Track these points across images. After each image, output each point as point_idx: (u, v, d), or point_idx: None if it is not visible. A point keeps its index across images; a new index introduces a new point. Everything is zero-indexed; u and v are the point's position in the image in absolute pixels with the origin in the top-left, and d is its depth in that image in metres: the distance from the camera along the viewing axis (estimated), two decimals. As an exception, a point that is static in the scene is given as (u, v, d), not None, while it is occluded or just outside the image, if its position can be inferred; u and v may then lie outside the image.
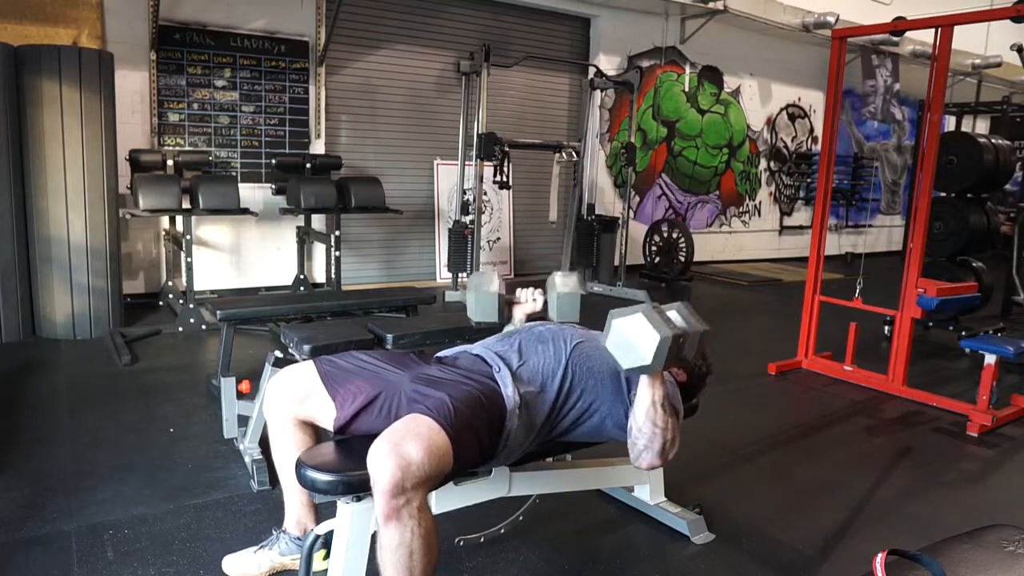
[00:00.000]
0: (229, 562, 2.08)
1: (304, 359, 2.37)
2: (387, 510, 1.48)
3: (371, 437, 1.59)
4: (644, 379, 1.73)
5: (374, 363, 1.90)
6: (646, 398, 1.73)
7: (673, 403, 1.81)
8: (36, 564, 2.09)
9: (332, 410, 1.81)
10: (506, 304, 2.24)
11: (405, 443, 1.52)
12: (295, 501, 2.04)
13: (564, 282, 2.20)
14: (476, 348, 2.00)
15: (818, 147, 9.98)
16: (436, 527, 1.56)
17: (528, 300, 2.29)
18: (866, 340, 4.71)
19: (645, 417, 1.73)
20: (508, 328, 2.30)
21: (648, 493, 2.48)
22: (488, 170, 6.34)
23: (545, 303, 2.24)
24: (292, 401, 1.86)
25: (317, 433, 1.91)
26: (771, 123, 9.67)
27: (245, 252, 6.13)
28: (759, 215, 9.82)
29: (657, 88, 8.40)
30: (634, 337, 1.63)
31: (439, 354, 2.07)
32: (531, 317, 2.28)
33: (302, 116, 6.27)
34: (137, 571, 2.08)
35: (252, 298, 4.83)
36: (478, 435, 1.70)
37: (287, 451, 1.88)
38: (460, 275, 6.29)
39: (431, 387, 1.75)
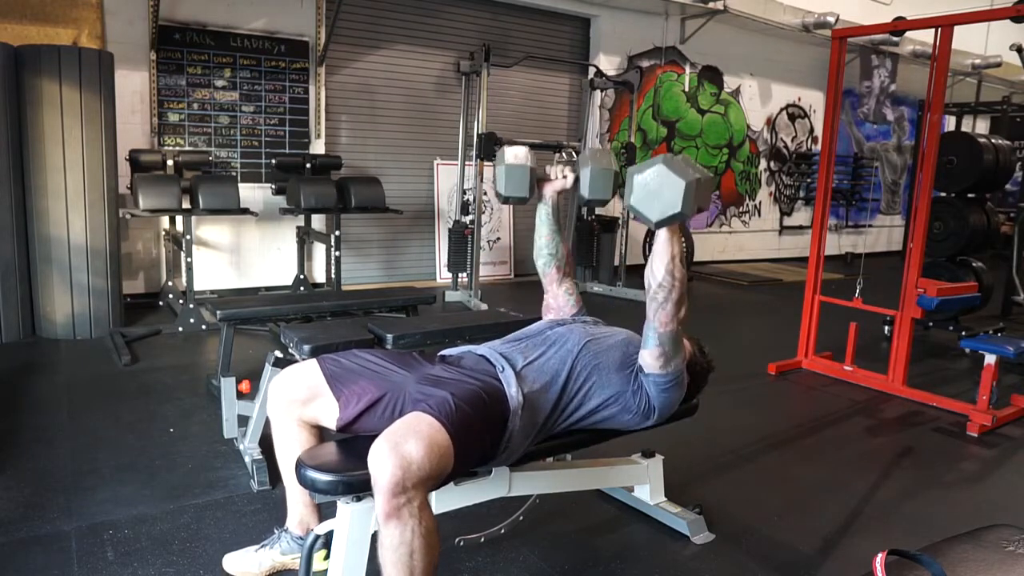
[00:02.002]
0: (230, 560, 2.08)
1: (304, 359, 2.37)
2: (388, 509, 1.48)
3: (372, 437, 1.59)
4: (664, 234, 1.76)
5: (378, 363, 1.90)
6: (666, 252, 1.77)
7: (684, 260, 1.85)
8: (36, 564, 2.09)
9: (336, 410, 1.81)
10: (536, 180, 2.16)
11: (406, 442, 1.51)
12: (297, 501, 2.04)
13: (598, 158, 2.10)
14: (481, 348, 1.99)
15: (818, 147, 9.98)
16: (437, 526, 1.56)
17: (559, 176, 2.22)
18: (866, 340, 4.71)
19: (665, 271, 1.77)
20: (540, 210, 2.25)
21: (648, 493, 2.48)
22: (488, 170, 6.34)
23: (577, 180, 2.15)
24: (296, 401, 1.85)
25: (320, 433, 1.91)
26: (771, 123, 9.67)
27: (245, 252, 6.13)
28: (759, 215, 9.83)
29: (657, 88, 8.40)
30: (659, 187, 1.65)
31: (443, 352, 2.07)
32: (562, 194, 2.24)
33: (302, 116, 6.27)
34: (137, 571, 2.08)
35: (252, 298, 4.83)
36: (480, 434, 1.70)
37: (290, 450, 1.87)
38: (460, 275, 6.30)
39: (434, 386, 1.75)
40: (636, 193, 1.69)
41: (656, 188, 1.66)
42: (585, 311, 2.26)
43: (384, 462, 1.48)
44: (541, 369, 1.88)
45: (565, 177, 2.21)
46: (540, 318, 2.30)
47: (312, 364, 1.88)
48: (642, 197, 1.68)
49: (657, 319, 1.83)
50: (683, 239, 1.81)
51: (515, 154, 2.11)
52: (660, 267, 1.78)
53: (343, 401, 1.80)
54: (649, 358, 1.87)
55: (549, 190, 2.24)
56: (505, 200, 2.17)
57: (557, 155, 6.52)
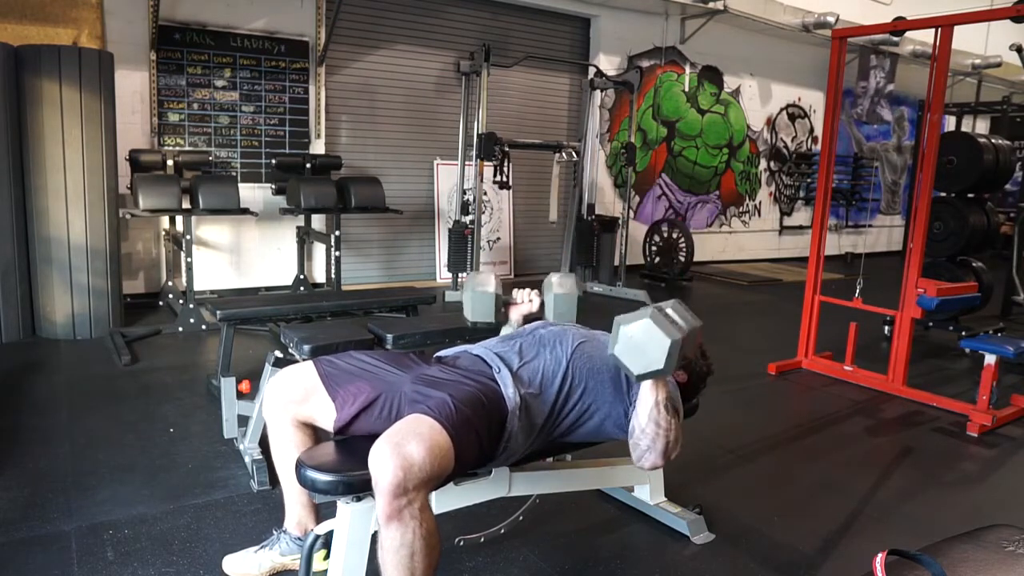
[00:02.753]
0: (229, 562, 2.07)
1: (304, 359, 2.37)
2: (389, 511, 1.48)
3: (371, 437, 1.59)
4: (647, 381, 1.72)
5: (374, 364, 1.90)
6: (649, 399, 1.73)
7: (674, 404, 1.80)
8: (36, 564, 2.09)
9: (332, 411, 1.81)
10: (503, 304, 2.24)
11: (407, 443, 1.51)
12: (295, 501, 2.04)
13: (561, 283, 2.20)
14: (476, 348, 2.00)
15: (818, 147, 9.98)
16: (437, 527, 1.56)
17: (525, 301, 2.29)
18: (866, 340, 4.71)
19: (648, 418, 1.72)
20: (505, 330, 2.30)
21: (648, 493, 2.48)
22: (488, 170, 6.34)
23: (542, 304, 2.24)
24: (292, 402, 1.85)
25: (317, 433, 1.91)
26: (771, 123, 9.67)
27: (245, 252, 6.13)
28: (759, 215, 9.83)
29: (657, 88, 8.40)
30: (644, 343, 1.63)
31: (439, 354, 2.07)
32: (528, 318, 2.28)
33: (302, 116, 6.27)
34: (137, 571, 2.08)
35: (252, 298, 4.83)
36: (479, 435, 1.70)
37: (287, 451, 1.88)
38: (460, 275, 6.29)
39: (432, 387, 1.75)
40: (620, 344, 1.66)
41: (641, 342, 1.63)
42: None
43: (385, 463, 1.48)
44: (537, 370, 1.88)
45: (531, 301, 2.27)
46: (537, 317, 2.30)
47: (308, 366, 1.89)
48: (626, 349, 1.65)
49: (642, 463, 1.77)
50: (667, 383, 1.75)
51: (482, 281, 2.19)
52: (644, 414, 1.73)
53: (339, 402, 1.80)
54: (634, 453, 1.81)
55: (515, 314, 2.29)
56: (474, 325, 2.25)
57: (557, 155, 6.52)
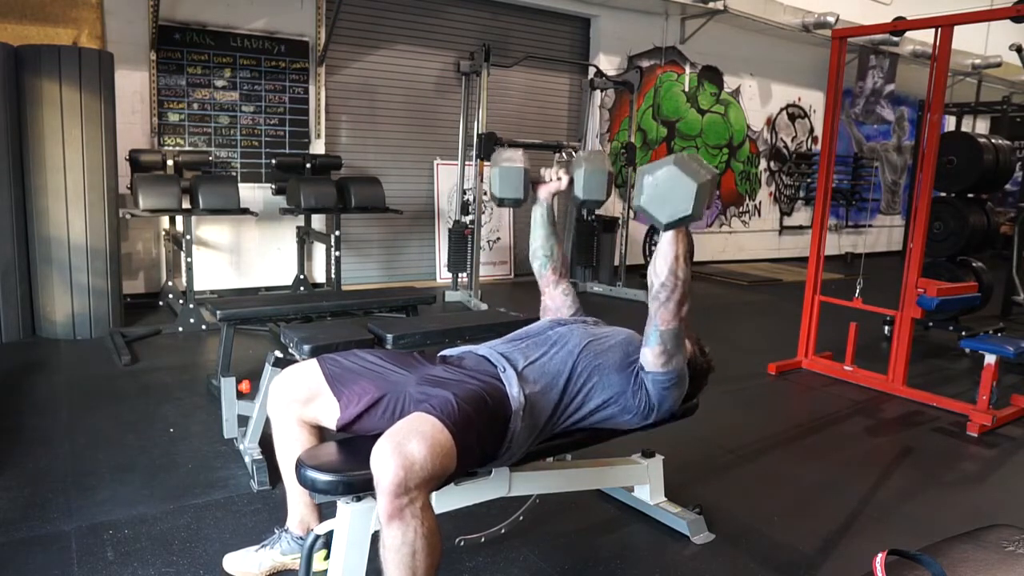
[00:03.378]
0: (230, 560, 2.08)
1: (304, 359, 2.37)
2: (390, 510, 1.48)
3: (372, 437, 1.59)
4: (669, 233, 1.75)
5: (379, 363, 1.89)
6: (671, 252, 1.76)
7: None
8: (36, 564, 2.09)
9: (336, 410, 1.81)
10: (531, 182, 2.16)
11: (408, 442, 1.51)
12: (297, 501, 2.04)
13: (592, 159, 2.10)
14: (481, 349, 1.99)
15: (818, 147, 9.98)
16: (439, 527, 1.56)
17: (553, 178, 2.23)
18: (866, 340, 4.71)
19: (668, 270, 1.77)
20: (535, 212, 2.25)
21: (648, 493, 2.48)
22: (488, 170, 6.33)
23: (571, 182, 2.16)
24: (296, 401, 1.85)
25: (321, 433, 1.91)
26: (771, 123, 9.67)
27: (245, 252, 6.13)
28: (759, 215, 9.83)
29: (657, 88, 8.40)
30: (670, 188, 1.62)
31: (443, 353, 2.06)
32: (556, 196, 2.24)
33: (302, 116, 6.27)
34: (137, 571, 2.08)
35: (252, 298, 4.83)
36: (482, 435, 1.70)
37: (290, 450, 1.87)
38: (460, 275, 6.29)
39: (436, 387, 1.74)
40: (646, 193, 1.65)
41: (667, 189, 1.63)
42: (583, 311, 2.26)
43: (387, 462, 1.48)
44: (542, 370, 1.88)
45: (560, 179, 2.22)
46: (540, 318, 2.30)
47: (312, 364, 1.88)
48: (652, 197, 1.65)
49: (659, 317, 1.83)
50: (688, 237, 1.81)
51: (509, 157, 2.12)
52: (663, 266, 1.78)
53: (343, 401, 1.80)
54: (651, 356, 1.87)
55: (544, 192, 2.26)
56: (500, 203, 2.17)
57: (557, 155, 6.52)
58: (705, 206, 1.67)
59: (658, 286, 1.80)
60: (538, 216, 2.28)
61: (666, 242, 1.78)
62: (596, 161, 2.10)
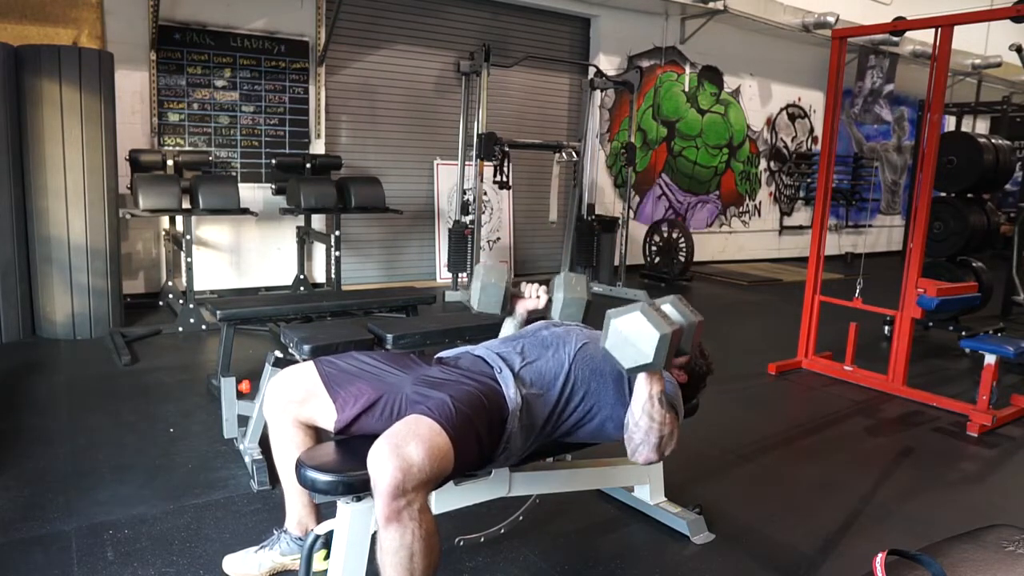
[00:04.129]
0: (230, 562, 2.08)
1: (304, 359, 2.37)
2: (388, 512, 1.47)
3: (371, 437, 1.59)
4: (641, 375, 1.72)
5: (375, 365, 1.89)
6: (643, 392, 1.72)
7: (672, 401, 1.80)
8: (36, 564, 2.09)
9: (333, 412, 1.81)
10: (510, 297, 2.23)
11: (406, 444, 1.51)
12: (296, 501, 2.04)
13: (572, 286, 2.19)
14: (478, 349, 1.99)
15: (818, 147, 9.98)
16: (437, 528, 1.56)
17: (532, 296, 2.27)
18: (866, 340, 4.71)
19: (642, 411, 1.72)
20: (507, 324, 2.30)
21: (648, 493, 2.48)
22: (488, 170, 6.34)
23: (549, 301, 2.23)
24: (293, 402, 1.85)
25: (318, 434, 1.91)
26: (771, 123, 9.67)
27: (245, 252, 6.13)
28: (759, 215, 9.83)
29: (657, 88, 8.40)
30: (633, 336, 1.63)
31: (440, 355, 2.06)
32: (533, 314, 2.28)
33: (302, 116, 6.27)
34: (137, 571, 2.08)
35: (252, 298, 4.83)
36: (479, 436, 1.69)
37: (287, 452, 1.88)
38: (460, 275, 6.29)
39: (432, 388, 1.74)
40: (611, 338, 1.66)
41: (630, 336, 1.62)
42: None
43: (384, 465, 1.48)
44: (539, 371, 1.88)
45: (539, 298, 2.26)
46: (538, 318, 2.30)
47: (309, 366, 1.88)
48: (616, 343, 1.65)
49: (636, 457, 1.76)
50: (662, 378, 1.74)
51: (491, 273, 2.19)
52: (637, 407, 1.73)
53: (340, 403, 1.80)
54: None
55: (521, 308, 2.28)
56: (477, 314, 2.27)
57: (557, 155, 6.52)
58: (671, 354, 1.65)
59: (632, 426, 1.74)
60: (509, 327, 2.29)
61: (639, 383, 1.73)
62: (576, 290, 2.18)
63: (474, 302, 2.21)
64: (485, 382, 1.81)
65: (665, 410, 1.73)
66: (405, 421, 1.60)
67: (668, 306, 1.75)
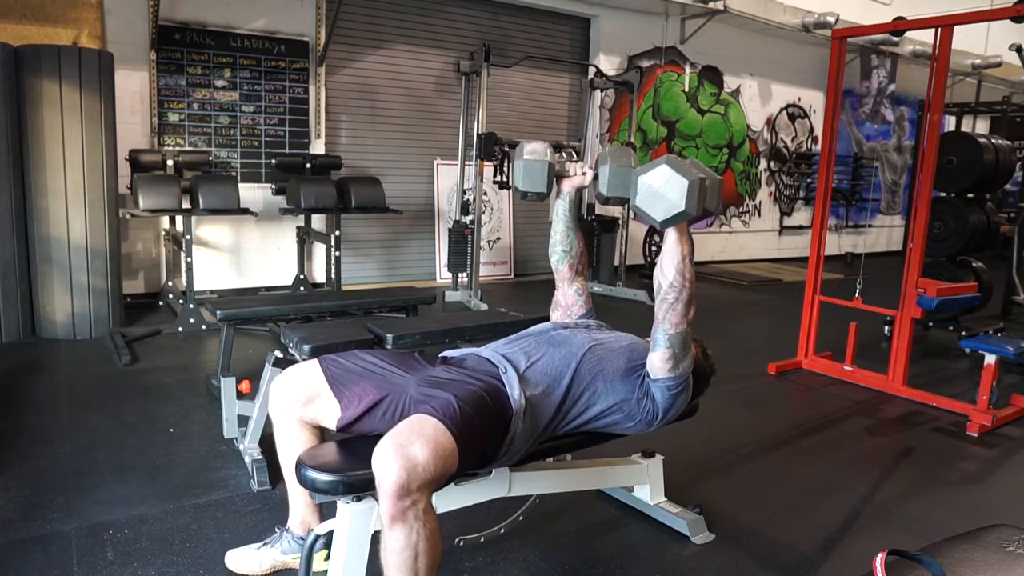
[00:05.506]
0: (232, 557, 2.08)
1: (304, 359, 2.37)
2: (393, 512, 1.48)
3: (372, 437, 1.59)
4: (673, 233, 1.76)
5: (379, 364, 1.89)
6: (676, 252, 1.77)
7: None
8: (36, 564, 2.09)
9: (337, 411, 1.81)
10: (555, 175, 2.15)
11: (411, 444, 1.51)
12: (298, 501, 2.04)
13: (618, 156, 2.08)
14: (483, 351, 1.99)
15: (818, 147, 9.98)
16: (440, 528, 1.56)
17: (578, 173, 2.22)
18: (866, 340, 4.71)
19: (676, 271, 1.78)
20: (557, 204, 2.23)
21: (648, 493, 2.48)
22: (488, 170, 6.34)
23: (595, 178, 2.14)
24: (297, 402, 1.85)
25: (321, 433, 1.91)
26: (771, 123, 9.67)
27: (245, 252, 6.13)
28: (759, 215, 9.83)
29: (657, 88, 8.40)
30: (663, 187, 1.65)
31: (444, 354, 2.06)
32: (580, 192, 2.23)
33: (302, 116, 6.27)
34: (137, 571, 2.08)
35: (252, 298, 4.83)
36: (483, 437, 1.69)
37: (291, 450, 1.87)
38: (460, 275, 6.29)
39: (436, 388, 1.74)
40: (641, 193, 1.69)
41: (660, 188, 1.66)
42: (593, 313, 2.25)
43: (389, 464, 1.48)
44: (544, 372, 1.88)
45: (584, 173, 2.21)
46: (541, 318, 2.30)
47: (313, 364, 1.88)
48: (646, 197, 1.68)
49: (668, 320, 1.82)
50: (691, 239, 1.81)
51: (533, 149, 2.11)
52: (670, 267, 1.78)
53: (344, 402, 1.80)
54: (659, 361, 1.86)
55: (568, 186, 2.23)
56: (524, 196, 2.14)
57: (557, 155, 6.50)
58: (702, 206, 1.69)
59: (666, 287, 1.80)
60: (560, 210, 2.25)
61: (671, 242, 1.78)
62: (623, 158, 2.07)
63: (518, 182, 2.11)
64: (489, 382, 1.81)
65: (693, 269, 1.80)
66: (409, 421, 1.60)
67: (689, 163, 1.74)
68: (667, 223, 1.70)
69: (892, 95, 10.63)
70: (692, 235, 1.86)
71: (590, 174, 2.20)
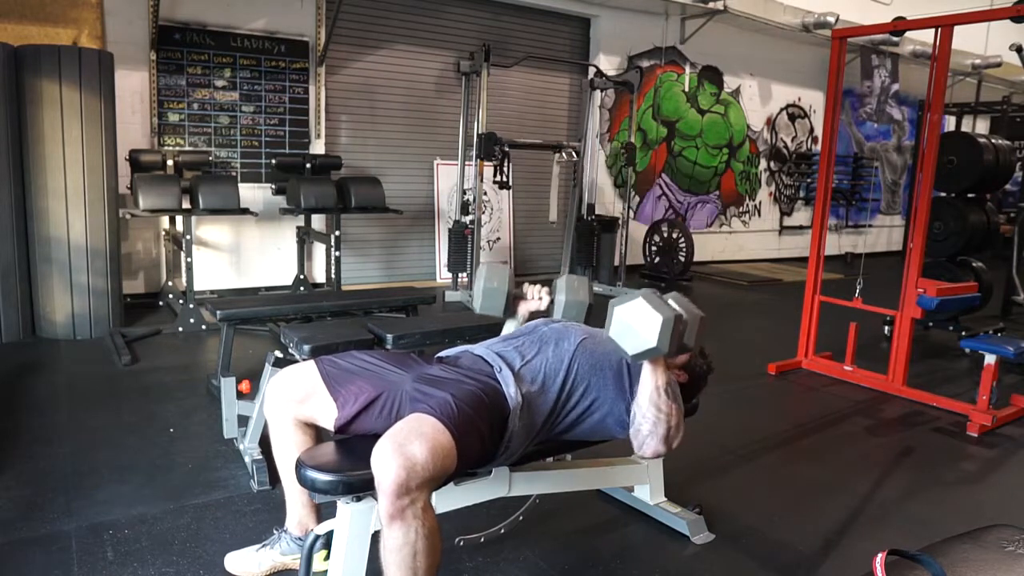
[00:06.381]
0: (231, 559, 2.08)
1: (304, 359, 2.37)
2: (392, 511, 1.48)
3: (371, 437, 1.59)
4: (647, 365, 1.74)
5: (375, 363, 1.90)
6: (649, 383, 1.74)
7: (675, 391, 1.81)
8: (36, 564, 2.09)
9: (333, 411, 1.81)
10: (513, 299, 2.24)
11: (410, 443, 1.51)
12: (296, 501, 2.04)
13: (574, 288, 2.20)
14: (478, 348, 1.99)
15: (818, 147, 9.98)
16: (439, 527, 1.56)
17: (535, 297, 2.27)
18: (866, 340, 4.71)
19: (648, 403, 1.74)
20: (509, 325, 2.30)
21: (648, 493, 2.48)
22: (488, 170, 6.34)
23: (551, 303, 2.23)
24: (293, 402, 1.85)
25: (318, 433, 1.91)
26: (771, 123, 9.67)
27: (245, 252, 6.13)
28: (759, 215, 9.83)
29: (657, 88, 8.40)
30: (637, 322, 1.64)
31: (440, 354, 2.07)
32: (534, 315, 2.28)
33: (302, 116, 6.27)
34: (137, 571, 2.08)
35: (252, 298, 4.83)
36: (481, 435, 1.70)
37: (288, 451, 1.88)
38: (460, 275, 6.29)
39: (433, 387, 1.74)
40: (615, 325, 1.68)
41: (634, 322, 1.65)
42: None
43: (388, 463, 1.48)
44: (539, 368, 1.88)
45: (541, 299, 2.26)
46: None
47: (309, 365, 1.89)
48: (620, 331, 1.67)
49: (643, 451, 1.78)
50: (668, 369, 1.77)
51: (493, 275, 2.19)
52: (644, 399, 1.75)
53: (340, 401, 1.80)
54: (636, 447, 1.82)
55: (523, 309, 2.28)
56: (481, 314, 2.26)
57: (557, 155, 6.52)
58: (675, 342, 1.67)
59: (639, 419, 1.76)
60: (511, 328, 2.29)
61: (645, 375, 1.75)
62: (579, 291, 2.19)
63: (476, 305, 2.22)
64: (485, 381, 1.81)
65: (672, 401, 1.74)
66: (408, 420, 1.60)
67: (670, 299, 1.76)
68: (638, 357, 1.69)
69: (895, 95, 10.63)
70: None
71: (546, 300, 2.25)
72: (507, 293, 2.19)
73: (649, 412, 1.74)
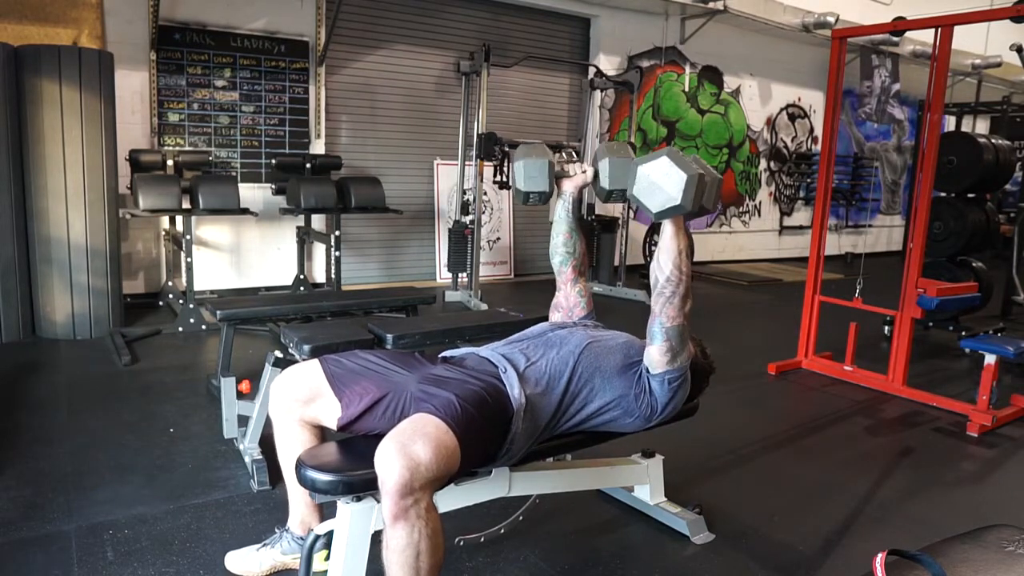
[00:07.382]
0: (232, 558, 2.08)
1: (304, 359, 2.37)
2: (395, 511, 1.48)
3: (373, 437, 1.59)
4: (669, 228, 1.79)
5: (380, 363, 1.90)
6: (673, 247, 1.79)
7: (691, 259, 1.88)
8: (36, 564, 2.09)
9: (337, 410, 1.81)
10: (555, 176, 2.13)
11: (413, 443, 1.51)
12: (298, 501, 2.04)
13: (615, 149, 2.09)
14: (483, 351, 1.99)
15: (818, 147, 9.98)
16: (442, 527, 1.56)
17: (578, 172, 2.21)
18: (866, 340, 4.71)
19: (672, 265, 1.80)
20: (558, 206, 2.22)
21: (648, 493, 2.48)
22: (488, 170, 6.34)
23: (596, 173, 2.13)
24: (297, 401, 1.85)
25: (322, 432, 1.91)
26: (771, 123, 9.67)
27: (245, 252, 6.13)
28: (759, 215, 9.83)
29: (657, 88, 8.40)
30: (661, 179, 1.66)
31: (444, 354, 2.06)
32: (581, 190, 2.23)
33: (302, 116, 6.27)
34: (137, 571, 2.08)
35: (252, 298, 4.83)
36: (484, 436, 1.70)
37: (291, 450, 1.87)
38: (460, 275, 6.29)
39: (438, 387, 1.74)
40: (639, 184, 1.71)
41: (658, 180, 1.67)
42: (594, 315, 2.25)
43: (392, 463, 1.48)
44: (544, 371, 1.88)
45: (585, 171, 2.20)
46: (541, 318, 2.30)
47: (314, 364, 1.88)
48: (644, 188, 1.70)
49: (664, 314, 1.84)
50: (688, 235, 1.82)
51: (533, 149, 2.10)
52: (667, 261, 1.80)
53: (345, 401, 1.80)
54: (657, 354, 1.87)
55: (568, 186, 2.22)
56: (525, 198, 2.12)
57: (558, 155, 6.50)
58: (697, 200, 1.70)
59: (663, 281, 1.82)
60: (561, 212, 2.24)
61: (667, 236, 1.80)
62: (620, 151, 2.09)
63: (519, 183, 2.09)
64: (490, 381, 1.81)
65: (690, 262, 1.82)
66: (411, 420, 1.60)
67: (691, 160, 1.75)
68: (662, 215, 1.72)
69: (896, 94, 10.63)
70: (691, 233, 1.88)
71: (590, 171, 2.18)
72: (550, 166, 2.06)
73: (673, 274, 1.80)
